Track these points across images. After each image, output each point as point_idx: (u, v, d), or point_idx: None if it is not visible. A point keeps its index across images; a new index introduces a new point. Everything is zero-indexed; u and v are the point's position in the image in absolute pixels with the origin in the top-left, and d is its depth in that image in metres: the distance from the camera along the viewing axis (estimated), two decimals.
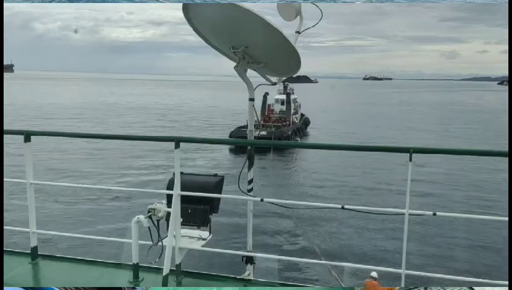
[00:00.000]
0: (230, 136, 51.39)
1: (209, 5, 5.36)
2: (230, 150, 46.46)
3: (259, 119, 58.56)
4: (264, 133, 52.28)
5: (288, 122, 61.89)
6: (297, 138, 58.64)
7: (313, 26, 5.61)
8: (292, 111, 65.06)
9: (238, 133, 50.56)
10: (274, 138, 50.63)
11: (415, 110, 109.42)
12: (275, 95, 66.70)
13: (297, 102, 70.12)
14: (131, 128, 64.55)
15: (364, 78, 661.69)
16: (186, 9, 5.01)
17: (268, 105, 65.07)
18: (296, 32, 5.51)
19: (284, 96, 65.88)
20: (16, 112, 71.46)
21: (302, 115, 71.07)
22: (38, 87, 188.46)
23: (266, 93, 62.76)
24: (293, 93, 68.39)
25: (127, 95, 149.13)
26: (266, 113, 62.91)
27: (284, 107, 64.97)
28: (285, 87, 68.16)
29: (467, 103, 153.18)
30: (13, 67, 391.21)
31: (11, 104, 79.43)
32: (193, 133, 62.29)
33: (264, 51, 5.19)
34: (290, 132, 57.45)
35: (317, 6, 5.59)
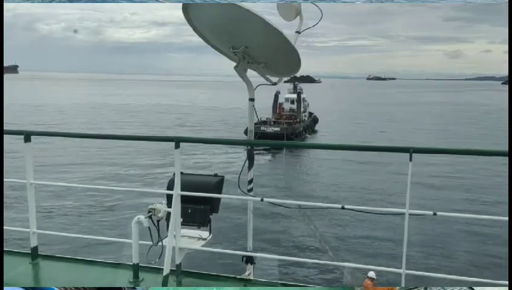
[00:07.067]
0: (245, 132, 52.36)
1: (209, 5, 5.34)
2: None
3: (271, 118, 61.36)
4: (277, 129, 55.23)
5: (299, 120, 64.50)
6: (307, 135, 61.58)
7: (313, 26, 5.60)
8: (302, 109, 67.90)
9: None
10: (287, 134, 53.73)
11: (426, 111, 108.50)
12: (285, 94, 69.29)
13: (305, 101, 72.63)
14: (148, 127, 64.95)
15: (368, 78, 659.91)
16: (186, 9, 5.01)
17: (280, 104, 67.25)
18: (296, 32, 5.49)
19: (294, 96, 69.09)
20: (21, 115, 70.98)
21: (310, 113, 73.39)
22: (43, 88, 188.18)
23: (278, 92, 64.77)
24: (302, 92, 70.86)
25: (136, 95, 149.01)
26: (277, 111, 65.42)
27: (293, 106, 67.99)
28: (295, 87, 71.32)
29: (481, 103, 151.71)
30: (17, 68, 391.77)
31: (12, 104, 79.00)
32: (202, 133, 62.87)
33: (264, 51, 5.18)
34: (301, 129, 60.62)
35: (317, 6, 5.59)
